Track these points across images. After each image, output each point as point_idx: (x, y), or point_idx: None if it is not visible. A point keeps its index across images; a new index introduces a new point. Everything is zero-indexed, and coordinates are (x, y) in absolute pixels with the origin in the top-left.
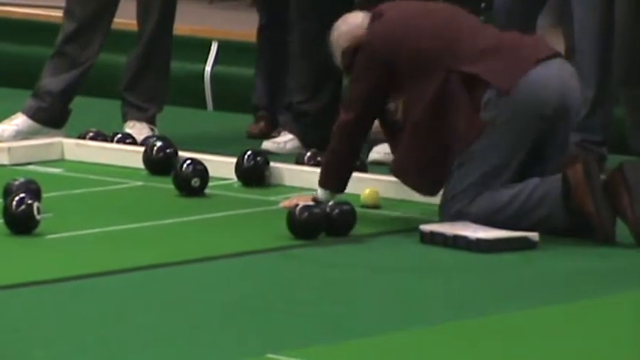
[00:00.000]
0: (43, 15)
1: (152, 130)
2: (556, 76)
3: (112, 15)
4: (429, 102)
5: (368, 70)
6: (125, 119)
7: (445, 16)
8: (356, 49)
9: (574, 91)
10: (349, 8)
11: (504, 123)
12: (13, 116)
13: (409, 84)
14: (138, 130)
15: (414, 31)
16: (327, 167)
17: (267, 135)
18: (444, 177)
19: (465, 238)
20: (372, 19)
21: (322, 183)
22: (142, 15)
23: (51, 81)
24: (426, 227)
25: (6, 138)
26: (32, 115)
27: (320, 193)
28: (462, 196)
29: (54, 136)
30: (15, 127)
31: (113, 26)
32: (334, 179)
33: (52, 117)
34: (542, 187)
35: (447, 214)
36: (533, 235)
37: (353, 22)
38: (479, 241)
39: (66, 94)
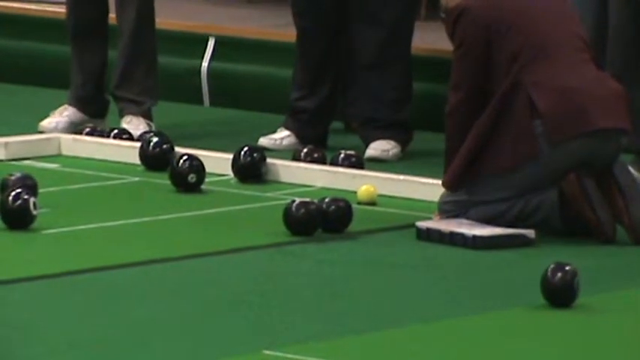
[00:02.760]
0: (38, 10)
1: (149, 125)
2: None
3: (104, 17)
4: (494, 102)
5: (470, 44)
6: (122, 115)
7: (543, 15)
8: (459, 13)
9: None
10: (345, 5)
11: (542, 167)
12: (60, 108)
13: (493, 76)
14: (135, 125)
15: (507, 21)
16: (449, 157)
17: None
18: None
19: (461, 235)
20: None
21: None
22: (119, 9)
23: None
24: (423, 224)
25: (60, 130)
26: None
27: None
28: (463, 206)
29: (99, 125)
30: (67, 119)
31: None
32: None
33: (98, 108)
34: (537, 197)
35: (444, 211)
36: (530, 233)
37: None
38: (475, 238)
39: (89, 85)
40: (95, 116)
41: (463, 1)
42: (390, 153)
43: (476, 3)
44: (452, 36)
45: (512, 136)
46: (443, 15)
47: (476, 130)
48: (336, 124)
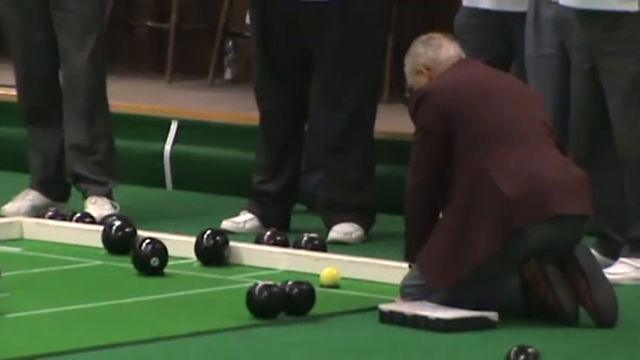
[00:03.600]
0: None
1: (113, 205)
2: (560, 237)
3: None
4: (460, 194)
5: (429, 129)
6: (85, 196)
7: (506, 100)
8: (420, 97)
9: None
10: (307, 89)
11: (505, 253)
12: (23, 192)
13: (453, 161)
14: (99, 205)
15: (470, 106)
16: (409, 240)
17: None
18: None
19: (424, 318)
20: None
21: (410, 258)
22: (66, 95)
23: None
24: (386, 307)
25: (23, 214)
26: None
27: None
28: (425, 290)
29: (62, 209)
30: (29, 203)
31: None
32: (418, 251)
33: (60, 191)
34: (498, 281)
35: (406, 295)
36: (493, 315)
37: (443, 55)
38: (438, 320)
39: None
40: (58, 199)
41: (426, 85)
42: (353, 236)
43: (437, 88)
44: (413, 118)
45: (482, 231)
46: (407, 95)
47: (447, 224)
48: (299, 207)
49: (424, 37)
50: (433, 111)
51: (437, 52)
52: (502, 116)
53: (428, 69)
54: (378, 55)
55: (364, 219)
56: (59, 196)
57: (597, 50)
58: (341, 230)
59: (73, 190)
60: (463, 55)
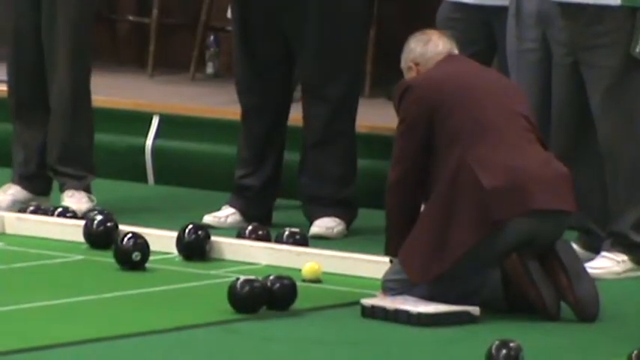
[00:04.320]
0: None
1: (90, 198)
2: (541, 232)
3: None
4: (442, 188)
5: (411, 122)
6: (62, 189)
7: (489, 96)
8: (404, 90)
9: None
10: (289, 83)
11: (485, 247)
12: (4, 186)
13: (435, 155)
14: (77, 199)
15: (452, 101)
16: (390, 234)
17: None
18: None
19: (406, 312)
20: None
21: (391, 252)
22: (51, 87)
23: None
24: (367, 301)
25: (4, 208)
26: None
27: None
28: (406, 284)
29: (43, 203)
30: (10, 197)
31: None
32: (399, 245)
33: (41, 185)
34: (479, 276)
35: (388, 289)
36: (474, 310)
37: (431, 51)
38: (420, 315)
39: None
40: (39, 194)
41: (410, 79)
42: (335, 230)
43: (421, 81)
44: (397, 110)
45: (462, 224)
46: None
47: (428, 219)
48: (280, 201)
49: (417, 33)
50: (415, 105)
51: (425, 47)
52: (484, 112)
53: (417, 64)
54: (359, 47)
55: (346, 213)
56: (41, 190)
57: (579, 44)
58: (323, 225)
59: (55, 185)
60: (454, 51)
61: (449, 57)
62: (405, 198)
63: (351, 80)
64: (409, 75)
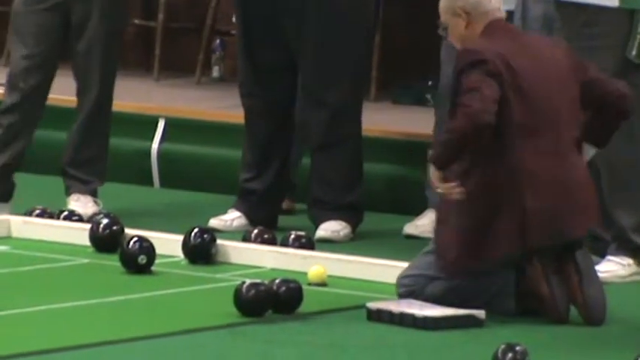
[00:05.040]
0: None
1: (96, 202)
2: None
3: (49, 87)
4: (488, 185)
5: (494, 74)
6: (69, 193)
7: (549, 88)
8: (479, 60)
9: None
10: (292, 87)
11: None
12: None
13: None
14: (82, 203)
15: (515, 88)
16: (443, 151)
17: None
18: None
19: (411, 316)
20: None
21: (439, 164)
22: (82, 90)
23: None
24: (373, 305)
25: None
26: None
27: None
28: (422, 281)
29: (1, 210)
30: None
31: (54, 102)
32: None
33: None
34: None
35: (402, 285)
36: (480, 313)
37: (485, 5)
38: (426, 318)
39: (6, 168)
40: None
41: (479, 48)
42: (341, 234)
43: (492, 57)
44: (460, 73)
45: (500, 234)
46: (442, 33)
47: (471, 213)
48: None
49: None
50: (490, 77)
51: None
52: (541, 111)
53: (467, 13)
54: (362, 52)
55: (352, 217)
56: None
57: (576, 46)
58: (328, 228)
59: (57, 189)
60: (503, 10)
61: (507, 27)
62: (475, 133)
63: (353, 85)
64: (454, 21)
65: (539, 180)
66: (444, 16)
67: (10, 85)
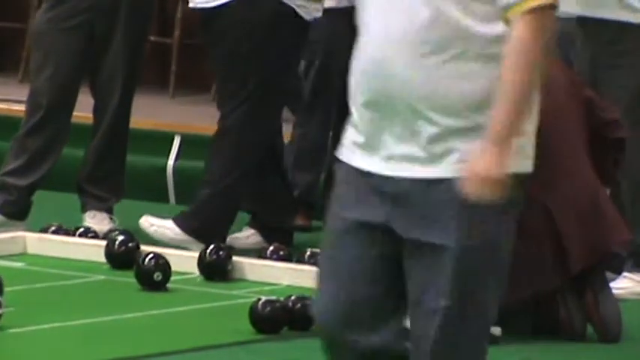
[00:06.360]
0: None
1: (112, 219)
2: None
3: (73, 107)
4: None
5: None
6: (84, 210)
7: (564, 116)
8: None
9: None
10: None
11: None
12: None
13: None
14: (99, 220)
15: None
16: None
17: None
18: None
19: None
20: None
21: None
22: (100, 108)
23: (18, 174)
24: None
25: None
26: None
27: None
28: None
29: (17, 228)
30: None
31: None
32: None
33: (19, 210)
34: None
35: None
36: (496, 330)
37: None
38: None
39: (32, 188)
40: (16, 217)
41: None
42: None
43: None
44: None
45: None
46: None
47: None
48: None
49: None
50: None
51: None
52: (562, 138)
53: None
54: None
55: None
56: (18, 215)
57: (600, 63)
58: None
59: (72, 205)
60: None
61: None
62: None
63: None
64: None
65: (569, 206)
66: None
67: (34, 104)
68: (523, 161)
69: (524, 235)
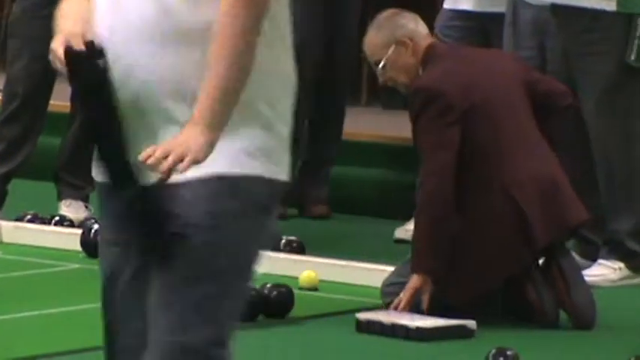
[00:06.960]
0: None
1: (87, 207)
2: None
3: (50, 95)
4: (479, 211)
5: (446, 131)
6: (60, 198)
7: (505, 95)
8: (433, 96)
9: None
10: None
11: None
12: None
13: (462, 166)
14: (74, 209)
15: (476, 111)
16: (421, 249)
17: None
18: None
19: (404, 327)
20: (429, 58)
21: (423, 268)
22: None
23: None
24: (362, 316)
25: None
26: None
27: (415, 279)
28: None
29: None
30: None
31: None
32: (435, 261)
33: None
34: None
35: (387, 294)
36: (471, 323)
37: (422, 30)
38: (419, 329)
39: (8, 176)
40: None
41: (433, 82)
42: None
43: (447, 89)
44: (416, 116)
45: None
46: (380, 71)
47: (465, 238)
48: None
49: (393, 10)
50: (448, 113)
51: (416, 25)
52: (505, 122)
53: (411, 40)
54: None
55: None
56: None
57: (574, 50)
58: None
59: (48, 194)
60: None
61: (448, 48)
62: (441, 212)
63: None
64: (397, 52)
65: (526, 185)
66: (380, 53)
67: (10, 93)
68: (271, 166)
69: (488, 221)
